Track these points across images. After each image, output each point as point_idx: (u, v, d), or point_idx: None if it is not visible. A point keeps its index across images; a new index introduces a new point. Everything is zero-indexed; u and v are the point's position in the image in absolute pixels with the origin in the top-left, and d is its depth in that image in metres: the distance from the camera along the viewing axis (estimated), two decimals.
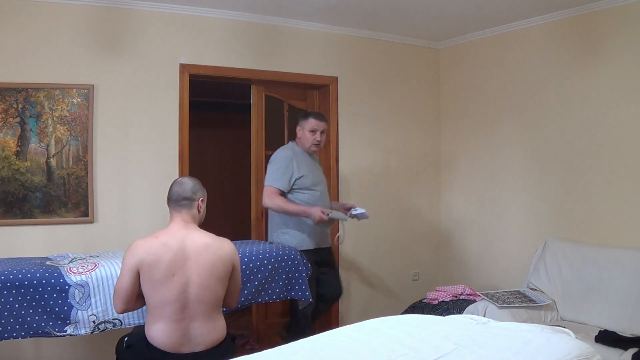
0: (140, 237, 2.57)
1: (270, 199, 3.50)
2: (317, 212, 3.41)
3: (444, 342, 1.52)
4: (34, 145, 3.64)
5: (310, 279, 3.41)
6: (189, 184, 2.63)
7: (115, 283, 2.69)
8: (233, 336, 2.74)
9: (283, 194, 3.53)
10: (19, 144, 3.60)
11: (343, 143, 4.69)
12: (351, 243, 4.60)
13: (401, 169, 4.97)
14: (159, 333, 2.46)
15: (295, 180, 3.54)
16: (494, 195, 4.65)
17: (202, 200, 2.64)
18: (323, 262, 3.69)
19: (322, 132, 3.63)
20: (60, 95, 3.69)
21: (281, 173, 3.52)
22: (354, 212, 3.65)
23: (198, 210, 2.63)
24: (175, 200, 2.59)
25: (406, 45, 4.96)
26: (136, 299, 2.52)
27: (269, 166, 3.62)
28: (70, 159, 3.74)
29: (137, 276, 2.46)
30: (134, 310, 2.63)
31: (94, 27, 3.79)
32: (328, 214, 3.44)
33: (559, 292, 3.78)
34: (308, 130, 3.60)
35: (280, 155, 3.60)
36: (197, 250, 2.51)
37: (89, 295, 2.76)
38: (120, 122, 3.87)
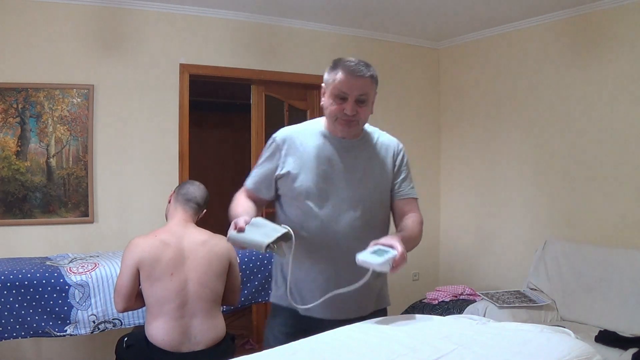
0: (140, 234, 2.58)
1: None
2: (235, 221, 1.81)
3: (444, 342, 1.52)
4: (34, 145, 3.64)
5: None
6: (204, 191, 2.69)
7: (115, 283, 2.70)
8: (233, 336, 2.75)
9: (253, 197, 2.10)
10: (19, 144, 3.60)
11: None
12: None
13: None
14: (159, 331, 2.46)
15: (277, 179, 2.06)
16: (494, 195, 4.65)
17: (205, 213, 2.70)
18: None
19: (359, 101, 1.96)
20: (60, 95, 3.69)
21: (257, 164, 2.14)
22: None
23: (198, 219, 2.67)
24: (188, 199, 2.62)
25: (406, 45, 4.96)
26: (136, 297, 2.53)
27: None
28: (70, 159, 3.74)
29: (137, 274, 2.46)
30: (135, 309, 2.63)
31: (94, 27, 3.79)
32: (229, 235, 1.79)
33: (559, 292, 3.77)
34: (333, 94, 1.97)
35: (271, 137, 2.13)
36: (195, 247, 2.52)
37: (89, 295, 2.77)
38: (120, 122, 3.87)
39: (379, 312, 2.07)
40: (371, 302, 2.06)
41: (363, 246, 1.87)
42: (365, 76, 1.94)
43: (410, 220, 2.05)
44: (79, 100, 3.75)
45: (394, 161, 2.11)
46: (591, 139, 3.92)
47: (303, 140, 2.05)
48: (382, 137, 2.13)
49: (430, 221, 5.08)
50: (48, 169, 3.68)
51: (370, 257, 1.74)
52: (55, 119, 3.68)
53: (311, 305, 1.90)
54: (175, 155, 4.04)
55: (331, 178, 2.01)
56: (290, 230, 1.82)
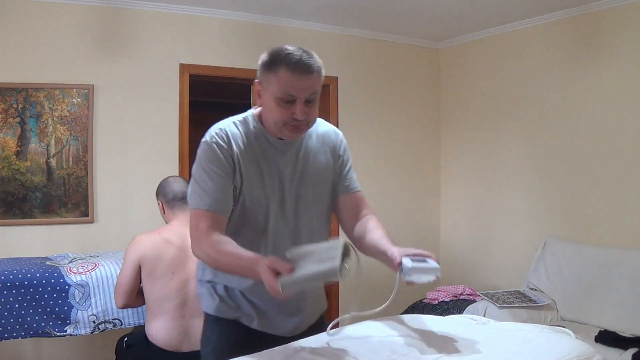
0: (143, 231, 2.59)
1: (196, 237, 1.63)
2: (263, 269, 1.43)
3: (444, 342, 1.52)
4: (34, 145, 3.64)
5: None
6: (185, 182, 2.65)
7: (115, 283, 2.70)
8: None
9: (220, 221, 1.64)
10: (19, 144, 3.60)
11: None
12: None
13: (401, 169, 4.97)
14: (159, 330, 2.46)
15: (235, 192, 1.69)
16: (494, 195, 4.65)
17: None
18: None
19: (308, 101, 1.63)
20: (60, 95, 3.69)
21: (207, 179, 1.65)
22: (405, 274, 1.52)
23: None
24: (181, 199, 2.61)
25: (406, 45, 4.96)
26: (137, 295, 2.53)
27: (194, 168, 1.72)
28: (70, 159, 3.74)
29: (139, 271, 2.47)
30: (135, 306, 2.63)
31: (94, 27, 3.79)
32: (281, 283, 1.38)
33: (559, 292, 3.77)
34: (277, 96, 1.62)
35: (210, 142, 1.68)
36: None
37: (89, 295, 2.77)
38: (120, 122, 3.87)
39: (321, 317, 1.88)
40: (318, 310, 1.87)
41: None
42: (313, 72, 1.61)
43: (374, 222, 1.81)
44: (79, 100, 3.75)
45: (337, 152, 1.85)
46: (591, 139, 3.92)
47: (245, 143, 1.70)
48: (320, 127, 1.84)
49: (430, 221, 5.08)
50: (48, 169, 3.68)
51: (421, 266, 1.50)
52: (55, 119, 3.68)
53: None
54: (175, 155, 4.04)
55: (284, 185, 1.73)
56: (344, 240, 1.47)
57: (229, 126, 1.71)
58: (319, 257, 1.41)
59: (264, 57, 1.66)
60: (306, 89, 1.60)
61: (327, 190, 1.82)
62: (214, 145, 1.66)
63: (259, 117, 1.73)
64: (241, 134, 1.70)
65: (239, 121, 1.74)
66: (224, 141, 1.66)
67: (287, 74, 1.58)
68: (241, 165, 1.67)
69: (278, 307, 1.73)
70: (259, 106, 1.71)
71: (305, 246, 1.51)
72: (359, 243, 1.80)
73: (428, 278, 1.50)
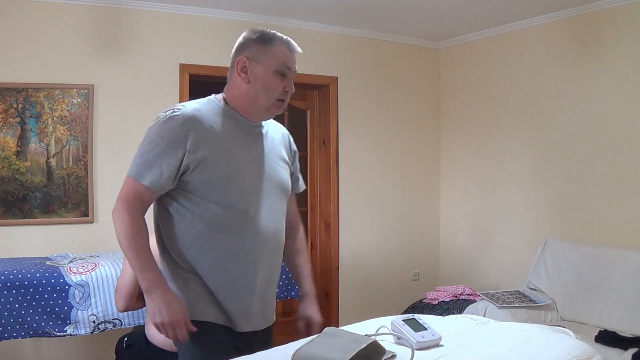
0: None
1: (120, 205, 1.69)
2: (162, 309, 1.62)
3: (444, 342, 1.52)
4: (34, 145, 3.64)
5: None
6: None
7: (115, 283, 2.70)
8: None
9: (149, 199, 1.70)
10: (19, 144, 3.60)
11: (343, 143, 4.68)
12: (351, 242, 4.61)
13: (401, 169, 4.97)
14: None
15: (185, 172, 1.67)
16: (494, 195, 4.65)
17: None
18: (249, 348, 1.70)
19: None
20: (60, 95, 3.69)
21: (152, 151, 1.65)
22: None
23: None
24: None
25: (406, 45, 4.96)
26: (137, 297, 2.52)
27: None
28: (70, 159, 3.74)
29: None
30: (135, 309, 2.63)
31: (94, 27, 3.79)
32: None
33: (559, 292, 3.78)
34: (273, 69, 1.74)
35: (165, 117, 1.68)
36: None
37: (89, 295, 2.77)
38: (120, 122, 3.87)
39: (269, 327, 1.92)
40: (271, 317, 1.93)
41: (282, 240, 1.85)
42: (298, 52, 1.83)
43: (302, 240, 2.02)
44: (79, 100, 3.75)
45: (291, 150, 1.96)
46: (591, 139, 3.92)
47: (210, 122, 1.69)
48: (274, 123, 1.94)
49: (430, 221, 5.08)
50: (48, 169, 3.68)
51: (426, 341, 1.51)
52: (55, 119, 3.68)
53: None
54: None
55: (250, 166, 1.75)
56: (378, 342, 1.44)
57: (191, 105, 1.74)
58: (342, 344, 1.40)
59: (252, 35, 1.76)
60: (294, 65, 1.80)
61: (287, 175, 1.90)
62: (168, 120, 1.66)
63: (225, 100, 1.78)
64: (205, 113, 1.71)
65: (202, 102, 1.77)
66: (183, 118, 1.66)
67: (284, 48, 1.77)
68: (200, 141, 1.66)
69: (262, 305, 1.80)
70: (246, 82, 1.74)
71: (343, 330, 1.55)
72: (285, 254, 1.94)
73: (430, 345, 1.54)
